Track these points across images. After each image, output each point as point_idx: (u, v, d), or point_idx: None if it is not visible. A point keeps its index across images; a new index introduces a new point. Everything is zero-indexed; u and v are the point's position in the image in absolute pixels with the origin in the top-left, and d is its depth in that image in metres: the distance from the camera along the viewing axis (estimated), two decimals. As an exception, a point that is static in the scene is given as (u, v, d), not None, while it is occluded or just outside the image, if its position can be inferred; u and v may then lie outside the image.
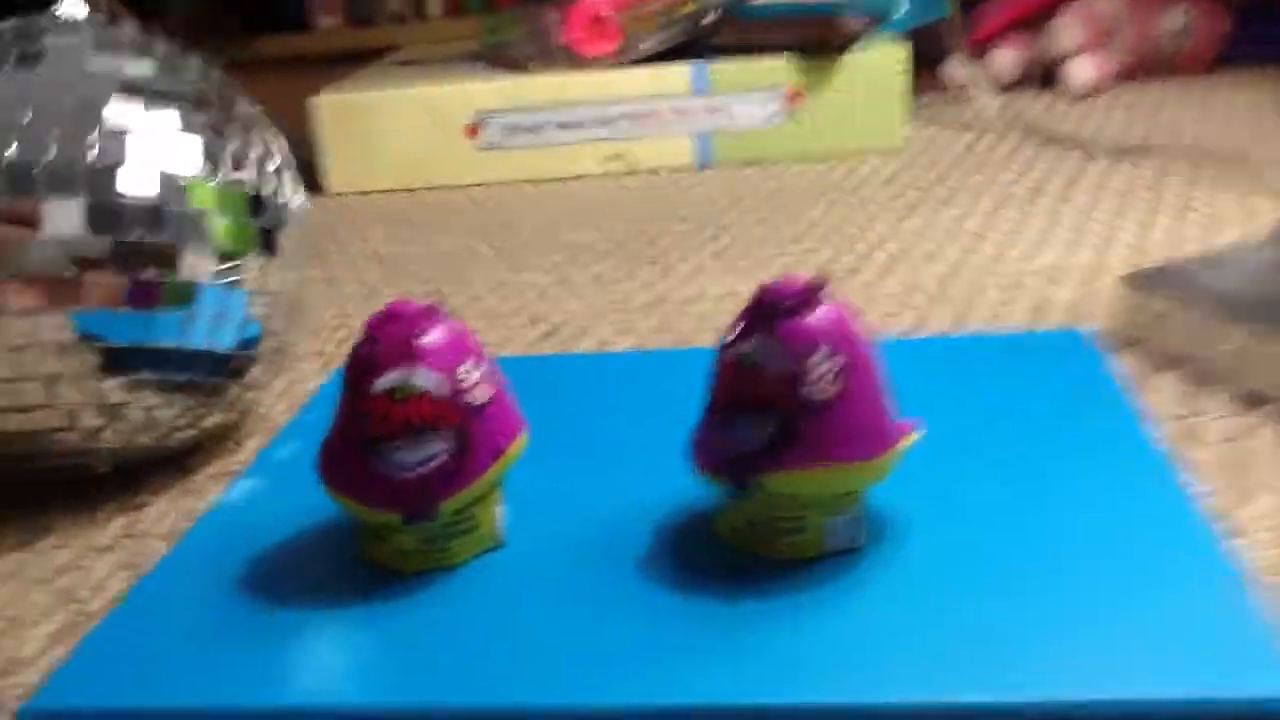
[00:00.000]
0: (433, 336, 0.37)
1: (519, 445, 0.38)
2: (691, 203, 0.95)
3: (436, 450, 0.36)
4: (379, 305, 0.77)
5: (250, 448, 0.57)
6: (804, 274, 0.37)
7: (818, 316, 0.35)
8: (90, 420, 0.51)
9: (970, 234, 0.79)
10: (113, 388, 0.50)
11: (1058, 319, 0.63)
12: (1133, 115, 1.09)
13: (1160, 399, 0.53)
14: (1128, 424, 0.43)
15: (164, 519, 0.51)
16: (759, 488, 0.35)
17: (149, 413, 0.52)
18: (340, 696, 0.32)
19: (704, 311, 0.70)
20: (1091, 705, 0.29)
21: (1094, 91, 1.19)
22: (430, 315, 0.38)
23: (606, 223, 0.91)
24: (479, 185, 1.08)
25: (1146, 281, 0.59)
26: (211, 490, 0.53)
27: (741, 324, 0.36)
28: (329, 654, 0.34)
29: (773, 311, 0.35)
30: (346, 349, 0.70)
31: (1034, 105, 1.18)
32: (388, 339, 0.37)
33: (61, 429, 0.50)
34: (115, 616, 0.37)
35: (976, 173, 0.95)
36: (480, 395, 0.37)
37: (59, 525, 0.51)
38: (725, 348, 0.37)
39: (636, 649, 0.33)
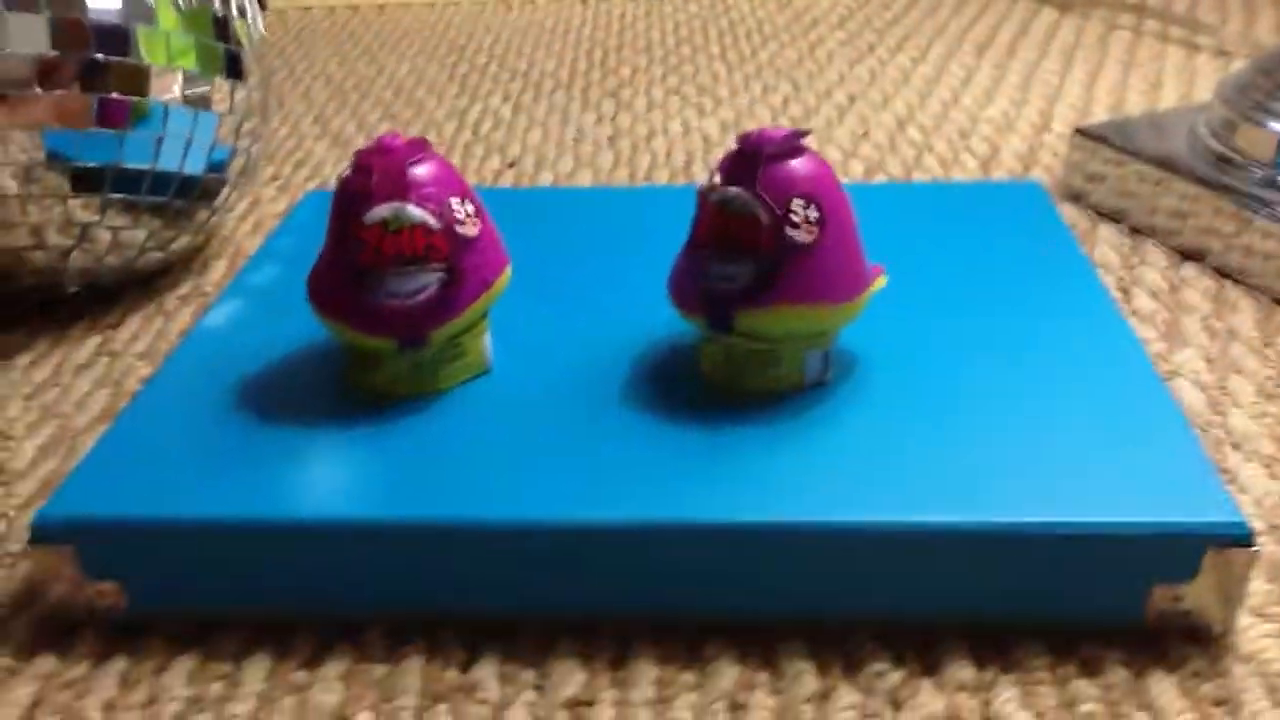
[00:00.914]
0: (425, 170, 0.38)
1: (505, 278, 0.40)
2: (645, 35, 0.94)
3: (428, 281, 0.38)
4: (332, 129, 0.76)
5: (218, 269, 0.58)
6: (783, 126, 0.38)
7: (799, 165, 0.37)
8: (59, 240, 0.51)
9: (922, 80, 0.81)
10: (81, 208, 0.50)
11: (1006, 169, 0.65)
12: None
13: (1101, 250, 0.56)
14: (1081, 273, 0.45)
15: (138, 339, 0.52)
16: (739, 324, 0.37)
17: (117, 234, 0.52)
18: (352, 510, 0.34)
19: (661, 148, 0.70)
20: (1046, 526, 0.33)
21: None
22: (422, 149, 0.38)
23: (561, 51, 0.90)
24: (427, 5, 1.05)
25: (1092, 138, 0.61)
26: (183, 311, 0.54)
27: (724, 169, 0.38)
28: (330, 470, 0.36)
29: (756, 159, 0.37)
30: (304, 172, 0.70)
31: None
32: (381, 171, 0.38)
33: (30, 247, 0.51)
34: (115, 431, 0.38)
35: (929, 18, 0.95)
36: (470, 229, 0.39)
37: (35, 344, 0.52)
38: (708, 191, 0.38)
39: (615, 468, 0.35)
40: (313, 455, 0.37)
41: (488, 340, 0.41)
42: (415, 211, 0.37)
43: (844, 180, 0.64)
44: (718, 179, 0.38)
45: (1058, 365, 0.40)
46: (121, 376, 0.49)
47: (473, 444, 0.37)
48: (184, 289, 0.56)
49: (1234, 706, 0.32)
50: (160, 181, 0.51)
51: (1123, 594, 0.33)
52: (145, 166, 0.50)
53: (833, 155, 0.68)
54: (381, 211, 0.37)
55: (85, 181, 0.50)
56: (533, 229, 0.51)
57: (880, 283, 0.39)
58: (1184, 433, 0.36)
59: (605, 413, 0.38)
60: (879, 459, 0.35)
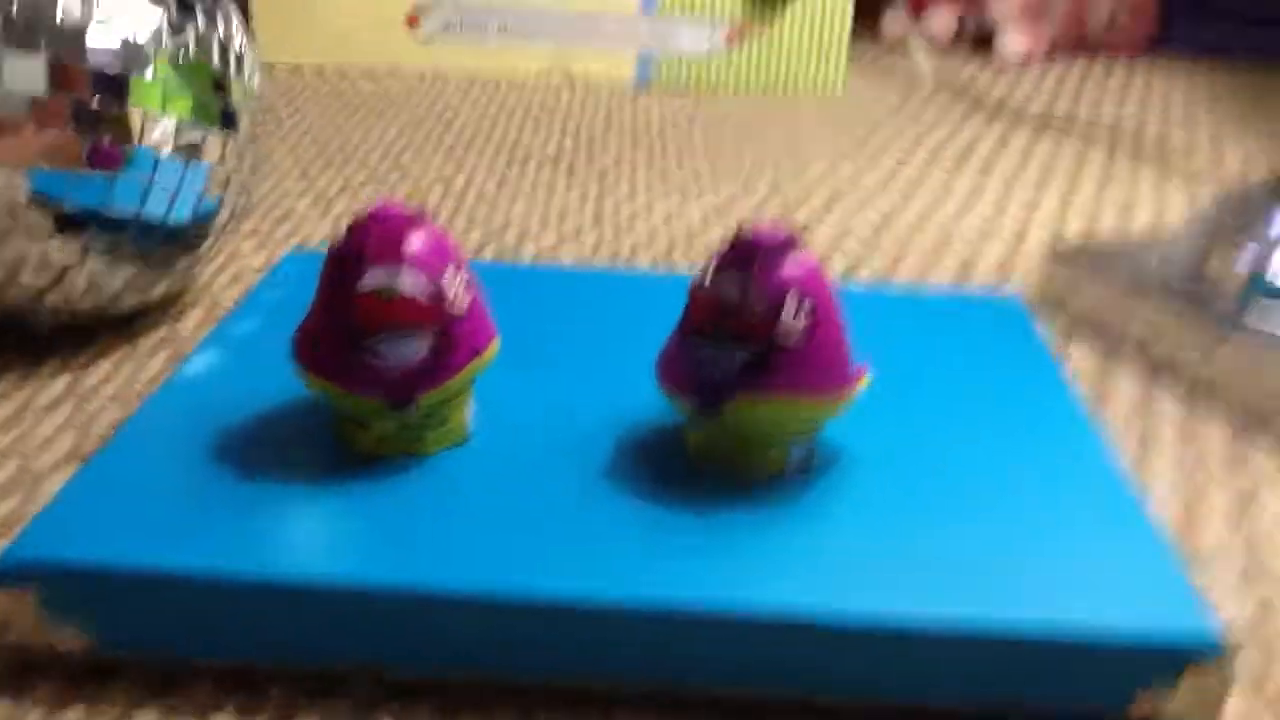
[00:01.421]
0: (420, 240, 0.38)
1: (493, 349, 0.40)
2: (631, 121, 0.95)
3: (417, 349, 0.37)
4: (317, 187, 0.76)
5: (194, 317, 0.57)
6: (778, 222, 0.39)
7: (795, 262, 0.38)
8: (34, 280, 0.50)
9: (902, 186, 0.82)
10: (61, 250, 0.50)
11: (983, 276, 0.66)
12: (1061, 89, 1.13)
13: (1075, 362, 0.57)
14: (1058, 389, 0.46)
15: (109, 382, 0.51)
16: (728, 411, 0.37)
17: (95, 278, 0.51)
18: (325, 570, 0.33)
19: (644, 231, 0.71)
20: (1027, 627, 0.32)
21: (1025, 61, 1.22)
22: (418, 219, 0.38)
23: (548, 130, 0.91)
24: (417, 76, 1.06)
25: (1068, 255, 0.62)
26: (156, 357, 0.53)
27: (720, 259, 0.38)
28: (305, 528, 0.35)
29: (752, 254, 0.37)
30: (284, 229, 0.69)
31: (967, 68, 1.21)
32: (376, 239, 0.38)
33: (3, 284, 0.50)
34: (86, 473, 0.37)
35: (910, 127, 0.98)
36: (462, 301, 0.38)
37: (1, 380, 0.51)
38: (703, 279, 0.38)
39: (593, 542, 0.35)
40: (288, 510, 0.36)
41: (471, 409, 0.40)
42: (409, 280, 0.37)
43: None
44: (712, 268, 0.38)
45: (1036, 476, 0.40)
46: (89, 420, 0.48)
47: (450, 510, 0.36)
48: (159, 334, 0.55)
49: (1208, 827, 0.31)
50: (145, 229, 0.51)
51: (1106, 697, 0.33)
52: (131, 213, 0.50)
53: (813, 251, 0.69)
54: (375, 279, 0.37)
55: (69, 224, 0.49)
56: (518, 305, 0.51)
57: (865, 380, 0.39)
58: (1162, 548, 0.36)
59: (584, 486, 0.38)
60: (865, 551, 0.35)
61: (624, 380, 0.45)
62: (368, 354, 0.37)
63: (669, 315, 0.51)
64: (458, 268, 0.39)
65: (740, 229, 0.38)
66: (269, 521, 0.35)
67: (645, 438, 0.41)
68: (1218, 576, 0.42)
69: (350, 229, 0.38)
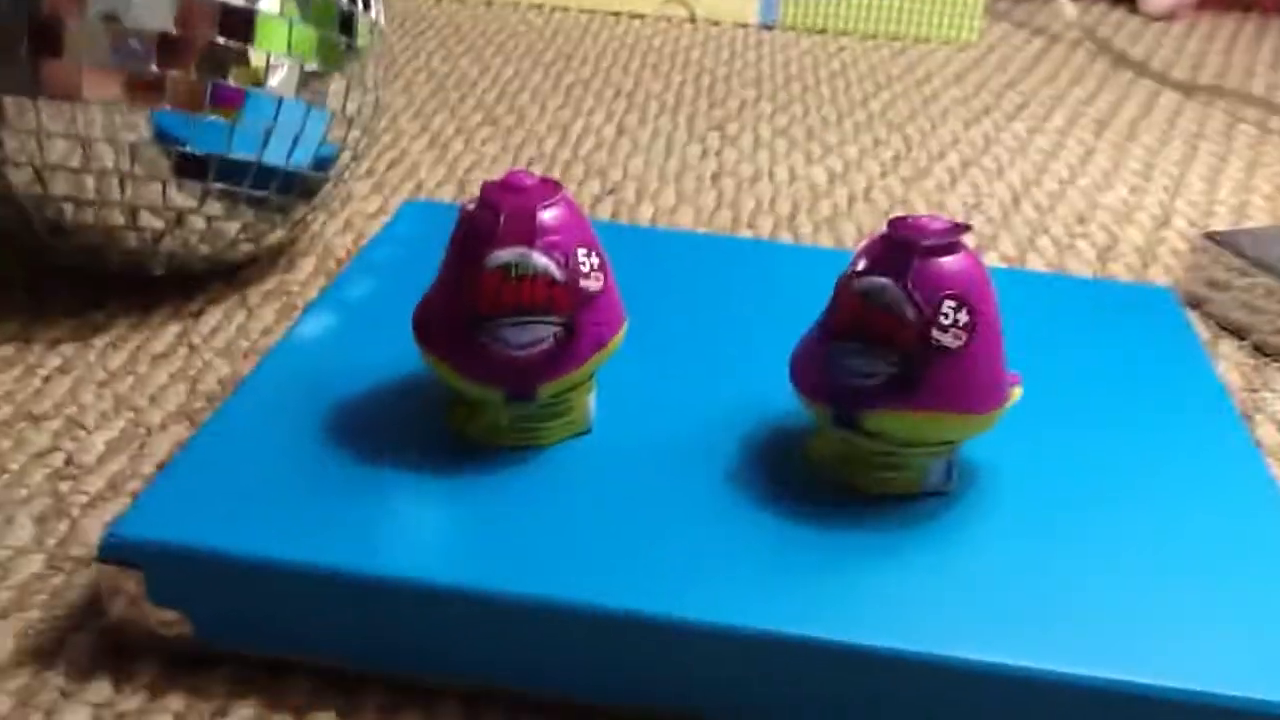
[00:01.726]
0: (554, 215, 0.36)
1: (620, 337, 0.38)
2: (754, 66, 0.92)
3: (544, 334, 0.36)
4: (432, 128, 0.75)
5: (305, 267, 0.56)
6: (943, 216, 0.36)
7: (954, 263, 0.35)
8: (153, 223, 0.49)
9: (1039, 153, 0.78)
10: (181, 193, 0.49)
11: (1124, 263, 0.62)
12: (1208, 48, 1.06)
13: (1223, 368, 0.53)
14: (1215, 399, 0.43)
15: (218, 332, 0.50)
16: (867, 424, 0.35)
17: (212, 223, 0.50)
18: (435, 573, 0.32)
19: (766, 193, 0.68)
20: (1163, 691, 0.30)
21: (1170, 16, 1.15)
22: (554, 191, 0.36)
23: (668, 73, 0.88)
24: (534, 5, 1.04)
25: (1215, 245, 0.58)
26: (266, 307, 0.52)
27: (870, 256, 0.36)
28: (416, 524, 0.34)
29: (909, 251, 0.35)
30: (398, 172, 0.68)
31: (1110, 19, 1.14)
32: (510, 212, 0.36)
33: (124, 227, 0.49)
34: (193, 449, 0.36)
35: (1048, 84, 0.93)
36: (593, 283, 0.36)
37: (114, 326, 0.50)
38: (852, 277, 0.36)
39: (710, 560, 0.33)
40: (399, 504, 0.34)
41: (593, 399, 0.39)
42: (540, 260, 0.35)
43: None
44: (862, 264, 0.36)
45: (1189, 505, 0.37)
46: (199, 373, 0.47)
47: (566, 513, 0.35)
48: (269, 284, 0.54)
49: None
50: (264, 173, 0.49)
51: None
52: (251, 158, 0.49)
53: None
54: (505, 256, 0.35)
55: (189, 167, 0.48)
56: (640, 272, 0.49)
57: (1017, 394, 0.37)
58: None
59: (706, 494, 0.36)
60: (996, 590, 0.33)
61: (753, 367, 0.43)
62: (490, 338, 0.35)
63: (801, 294, 0.48)
64: (590, 248, 0.37)
65: (896, 221, 0.35)
66: (376, 514, 0.34)
67: (772, 439, 0.39)
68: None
69: (481, 199, 0.36)
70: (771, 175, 0.71)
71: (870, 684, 0.31)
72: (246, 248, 0.53)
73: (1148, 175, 0.75)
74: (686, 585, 0.32)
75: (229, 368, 0.48)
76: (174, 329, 0.50)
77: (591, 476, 0.36)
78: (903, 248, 0.35)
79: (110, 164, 0.47)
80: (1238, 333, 0.57)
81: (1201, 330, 0.57)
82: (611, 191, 0.67)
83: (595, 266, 0.36)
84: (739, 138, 0.77)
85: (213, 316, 0.51)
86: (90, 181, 0.48)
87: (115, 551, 0.33)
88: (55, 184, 0.48)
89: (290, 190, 0.52)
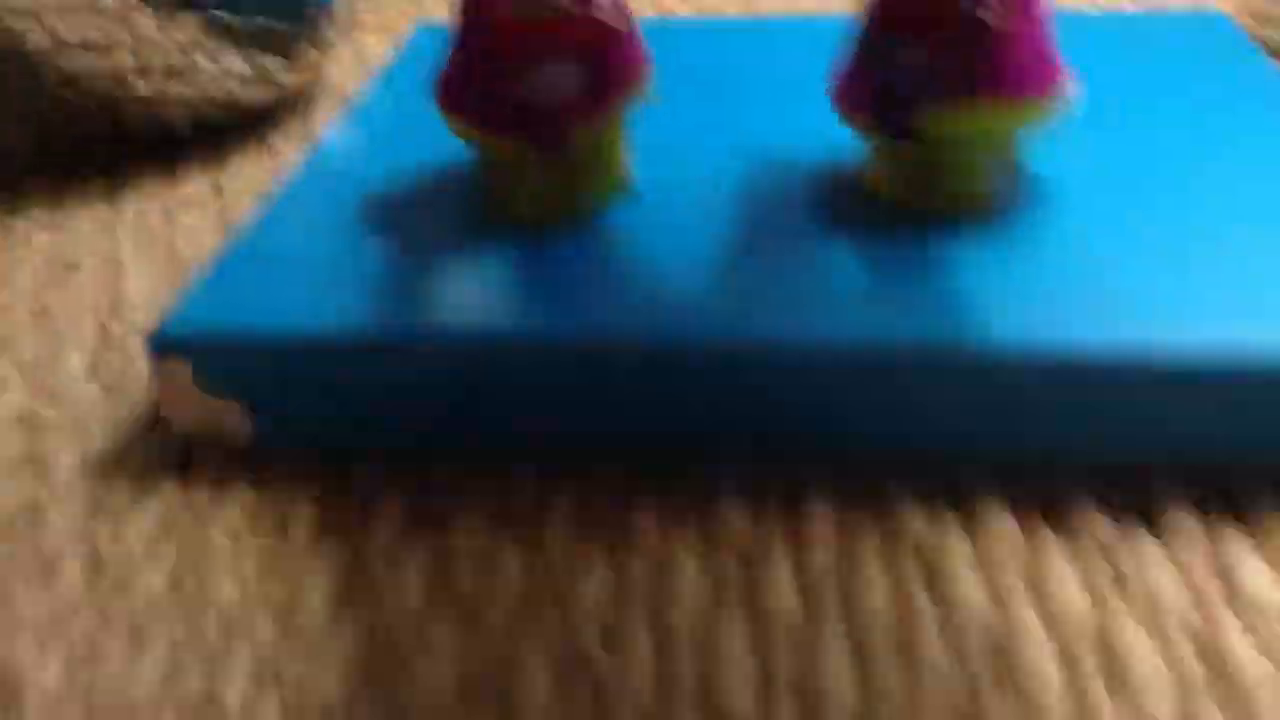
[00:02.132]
0: (568, -45, 0.34)
1: (647, 78, 0.36)
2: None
3: (567, 74, 0.34)
4: (439, -23, 0.72)
5: (325, 111, 0.54)
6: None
7: None
8: (163, 61, 0.48)
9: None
10: (185, 29, 0.47)
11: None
12: None
13: (1297, 95, 0.50)
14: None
15: (247, 179, 0.49)
16: (923, 124, 0.33)
17: (220, 64, 0.48)
18: (503, 326, 0.30)
19: (793, -6, 0.65)
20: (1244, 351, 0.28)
21: None
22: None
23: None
24: None
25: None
26: (292, 152, 0.51)
27: None
28: (475, 289, 0.32)
29: None
30: (407, 19, 0.66)
31: None
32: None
33: (133, 70, 0.47)
34: (238, 247, 0.35)
35: None
36: (612, 18, 0.34)
37: (143, 185, 0.49)
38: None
39: (786, 287, 0.31)
40: (453, 274, 0.33)
41: (629, 158, 0.37)
42: None
43: None
44: None
45: (1269, 198, 0.35)
46: (233, 214, 0.46)
47: (627, 266, 0.33)
48: (292, 130, 0.53)
49: None
50: (265, 3, 0.48)
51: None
52: (253, -13, 0.47)
53: None
54: None
55: (187, 2, 0.46)
56: (672, 59, 0.47)
57: (1071, 82, 0.34)
58: None
59: (768, 230, 0.34)
60: (1086, 283, 0.31)
61: (798, 125, 0.41)
62: (512, 88, 0.34)
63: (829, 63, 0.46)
64: None
65: None
66: (433, 283, 0.33)
67: (826, 179, 0.37)
68: None
69: None
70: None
71: (966, 387, 0.30)
72: (261, 93, 0.51)
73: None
74: (762, 311, 0.31)
75: (258, 206, 0.46)
76: (203, 180, 0.49)
77: (646, 233, 0.35)
78: None
79: (110, 6, 0.46)
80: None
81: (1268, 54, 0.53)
82: None
83: (612, 2, 0.34)
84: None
85: (239, 165, 0.50)
86: (95, 24, 0.46)
87: (166, 341, 0.32)
88: (60, 30, 0.46)
89: (296, 19, 0.50)
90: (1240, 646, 0.26)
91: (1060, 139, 0.38)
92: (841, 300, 0.31)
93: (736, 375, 0.30)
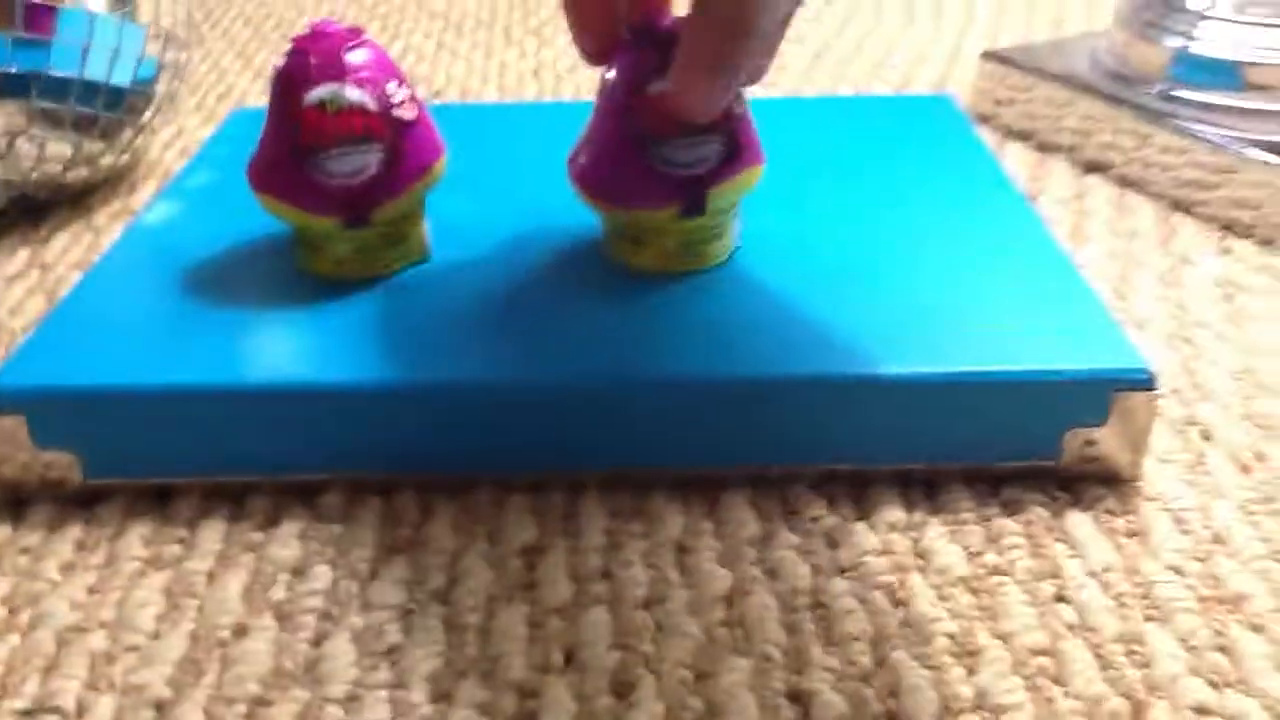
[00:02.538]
0: (361, 55, 0.39)
1: (442, 164, 0.41)
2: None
3: (368, 160, 0.39)
4: (255, 65, 0.76)
5: (147, 190, 0.58)
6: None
7: None
8: (-16, 150, 0.50)
9: (835, 16, 0.83)
10: (7, 115, 0.50)
11: (921, 91, 0.68)
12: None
13: (1010, 166, 0.59)
14: (991, 172, 0.48)
15: (69, 252, 0.52)
16: (712, 202, 0.39)
17: (42, 147, 0.51)
18: (303, 374, 0.35)
19: (585, 79, 0.72)
20: (970, 375, 0.35)
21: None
22: (357, 34, 0.39)
23: (480, -4, 0.91)
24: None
25: (999, 60, 0.64)
26: (113, 227, 0.54)
27: (639, 61, 0.38)
28: (281, 339, 0.36)
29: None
30: (228, 103, 0.69)
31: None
32: (318, 53, 0.38)
33: (-45, 157, 0.50)
34: (64, 307, 0.38)
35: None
36: (407, 112, 0.39)
37: (-39, 254, 0.52)
38: (639, 86, 0.38)
39: (564, 332, 0.37)
40: (263, 326, 0.37)
41: (428, 228, 0.42)
42: (353, 92, 0.38)
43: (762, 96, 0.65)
44: (612, 74, 0.39)
45: (972, 244, 0.42)
46: (55, 285, 0.49)
47: (419, 316, 0.38)
48: (114, 207, 0.56)
49: (1144, 538, 0.34)
50: (87, 91, 0.51)
51: (1040, 439, 0.36)
52: (73, 74, 0.50)
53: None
54: (320, 92, 0.38)
55: (10, 87, 0.50)
56: (461, 139, 0.52)
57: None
58: (1091, 298, 0.38)
59: (548, 288, 0.39)
60: (814, 318, 0.37)
61: (568, 201, 0.46)
62: (318, 170, 0.38)
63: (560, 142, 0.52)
64: (400, 81, 0.40)
65: (633, 22, 0.38)
66: (244, 336, 0.37)
67: (596, 250, 0.42)
68: (1150, 335, 0.44)
69: (292, 48, 0.39)
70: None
71: (718, 411, 0.35)
72: (83, 172, 0.54)
73: (939, 16, 0.81)
74: (536, 354, 0.36)
75: (83, 277, 0.50)
76: (24, 253, 0.52)
77: (435, 288, 0.40)
78: (652, 39, 0.38)
79: (-67, 93, 0.48)
80: (1023, 137, 0.62)
81: (991, 139, 0.62)
82: (437, 94, 0.70)
83: (407, 98, 0.40)
84: (554, 38, 0.80)
85: (61, 240, 0.53)
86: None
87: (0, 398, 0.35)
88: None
89: (116, 107, 0.53)
90: (925, 602, 0.32)
91: (800, 202, 0.45)
92: (598, 342, 0.36)
93: (503, 406, 0.35)
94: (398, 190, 0.39)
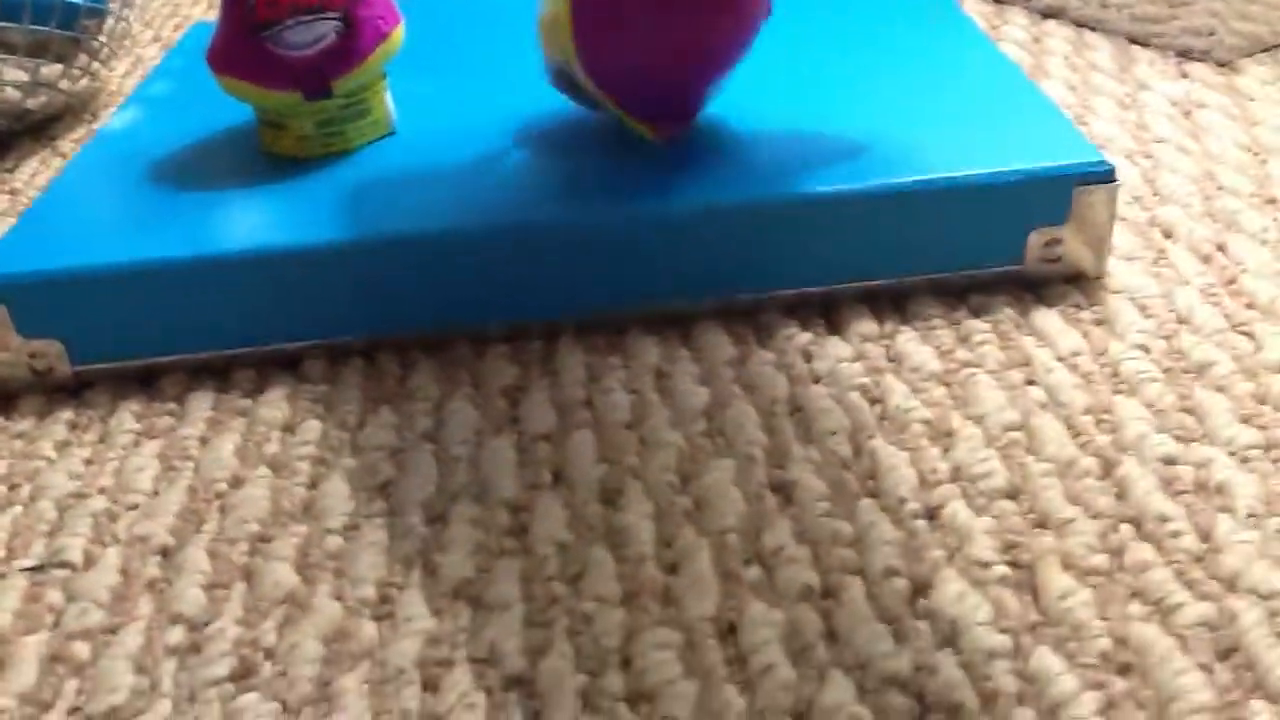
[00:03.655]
0: (310, -72, 0.39)
1: (399, 33, 0.41)
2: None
3: (325, 31, 0.39)
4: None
5: (107, 117, 0.58)
6: None
7: None
8: (-56, 80, 0.51)
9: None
10: (-36, 45, 0.50)
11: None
12: None
13: (969, 14, 0.59)
14: (953, 13, 0.48)
15: (37, 176, 0.52)
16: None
17: (1, 74, 0.52)
18: (280, 238, 0.35)
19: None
20: (931, 182, 0.35)
21: None
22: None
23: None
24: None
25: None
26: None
27: None
28: (254, 211, 0.37)
29: None
30: (178, 23, 0.69)
31: None
32: (268, -70, 0.38)
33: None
34: (41, 202, 0.39)
35: None
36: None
37: (-70, 185, 0.52)
38: None
39: (530, 178, 0.37)
40: (234, 202, 0.38)
41: (389, 100, 0.42)
42: None
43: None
44: None
45: (929, 69, 0.42)
46: (26, 206, 0.49)
47: (388, 179, 0.38)
48: (78, 133, 0.56)
49: (1110, 325, 0.35)
50: (40, 11, 0.51)
51: (1006, 243, 0.36)
52: (24, -5, 0.50)
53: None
54: None
55: (-36, 14, 0.50)
56: (416, 17, 0.52)
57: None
58: (1047, 104, 0.39)
59: (514, 145, 0.40)
60: (777, 143, 0.38)
61: (519, 75, 0.47)
62: (277, 44, 0.38)
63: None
64: None
65: None
66: (217, 212, 0.37)
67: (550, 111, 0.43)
68: (1111, 153, 0.45)
69: None
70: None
71: (684, 239, 0.36)
72: (44, 98, 0.54)
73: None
74: (505, 200, 0.36)
75: (54, 196, 0.50)
76: (-8, 180, 0.52)
77: (400, 157, 0.40)
78: None
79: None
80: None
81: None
82: None
83: None
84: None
85: (29, 167, 0.53)
86: None
87: (-23, 293, 0.35)
88: None
89: (69, 26, 0.53)
90: (900, 396, 0.32)
91: (763, 40, 0.45)
92: (552, 189, 0.37)
93: (475, 254, 0.36)
94: (356, 59, 0.39)
